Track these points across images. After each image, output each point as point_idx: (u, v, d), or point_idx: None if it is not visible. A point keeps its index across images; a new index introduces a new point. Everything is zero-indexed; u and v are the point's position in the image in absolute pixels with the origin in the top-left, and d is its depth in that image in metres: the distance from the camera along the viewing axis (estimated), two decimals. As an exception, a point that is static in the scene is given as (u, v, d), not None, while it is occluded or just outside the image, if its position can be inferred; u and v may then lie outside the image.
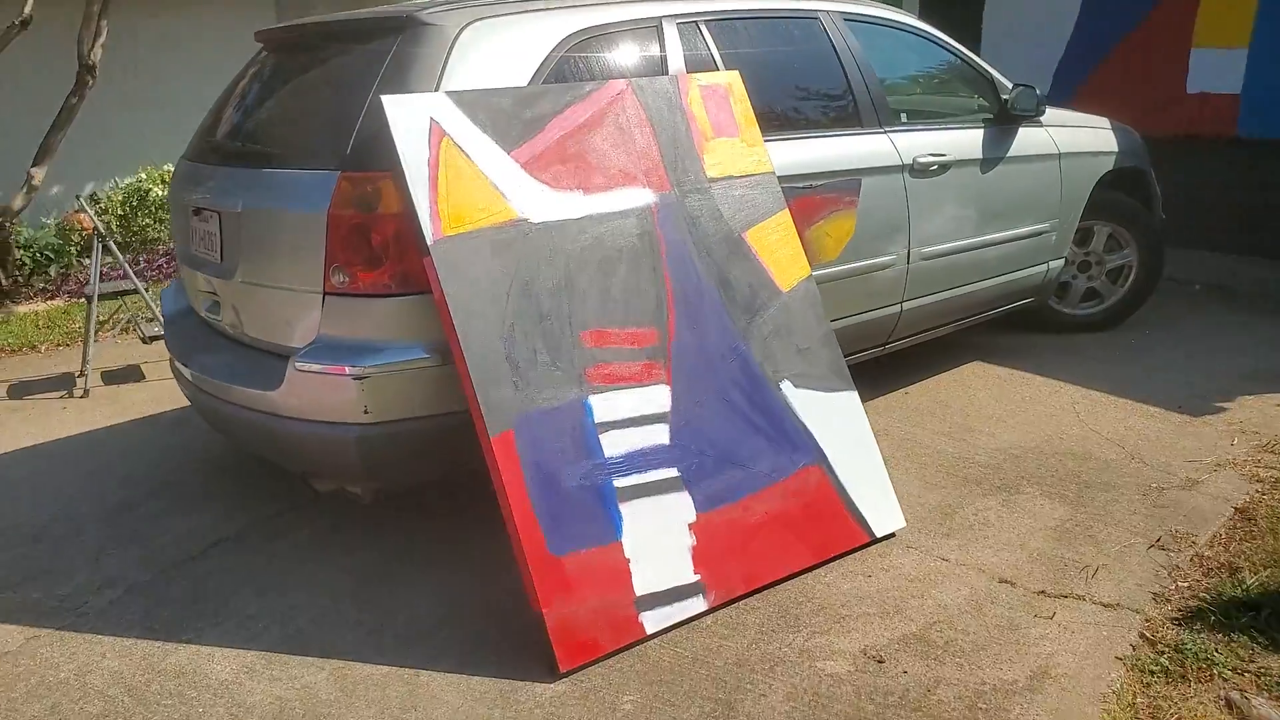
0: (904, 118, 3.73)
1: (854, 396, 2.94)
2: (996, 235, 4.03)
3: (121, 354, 5.21)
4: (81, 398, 4.56)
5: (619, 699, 2.23)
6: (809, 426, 2.82)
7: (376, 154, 2.48)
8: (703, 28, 3.16)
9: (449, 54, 2.64)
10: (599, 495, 2.45)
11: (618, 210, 2.70)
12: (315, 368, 2.54)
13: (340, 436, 2.56)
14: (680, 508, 2.55)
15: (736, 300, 2.82)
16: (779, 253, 2.95)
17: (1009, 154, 4.03)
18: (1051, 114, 4.29)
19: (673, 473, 2.57)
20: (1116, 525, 2.91)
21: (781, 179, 3.14)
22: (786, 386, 2.82)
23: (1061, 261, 4.49)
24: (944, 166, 3.72)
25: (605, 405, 2.53)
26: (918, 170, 3.62)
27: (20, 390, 4.74)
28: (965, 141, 3.86)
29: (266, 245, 2.69)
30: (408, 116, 2.46)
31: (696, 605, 2.50)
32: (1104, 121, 4.75)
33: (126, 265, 4.94)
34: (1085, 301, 4.88)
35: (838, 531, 2.78)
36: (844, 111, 3.50)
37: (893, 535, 2.88)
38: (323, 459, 2.66)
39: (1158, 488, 3.15)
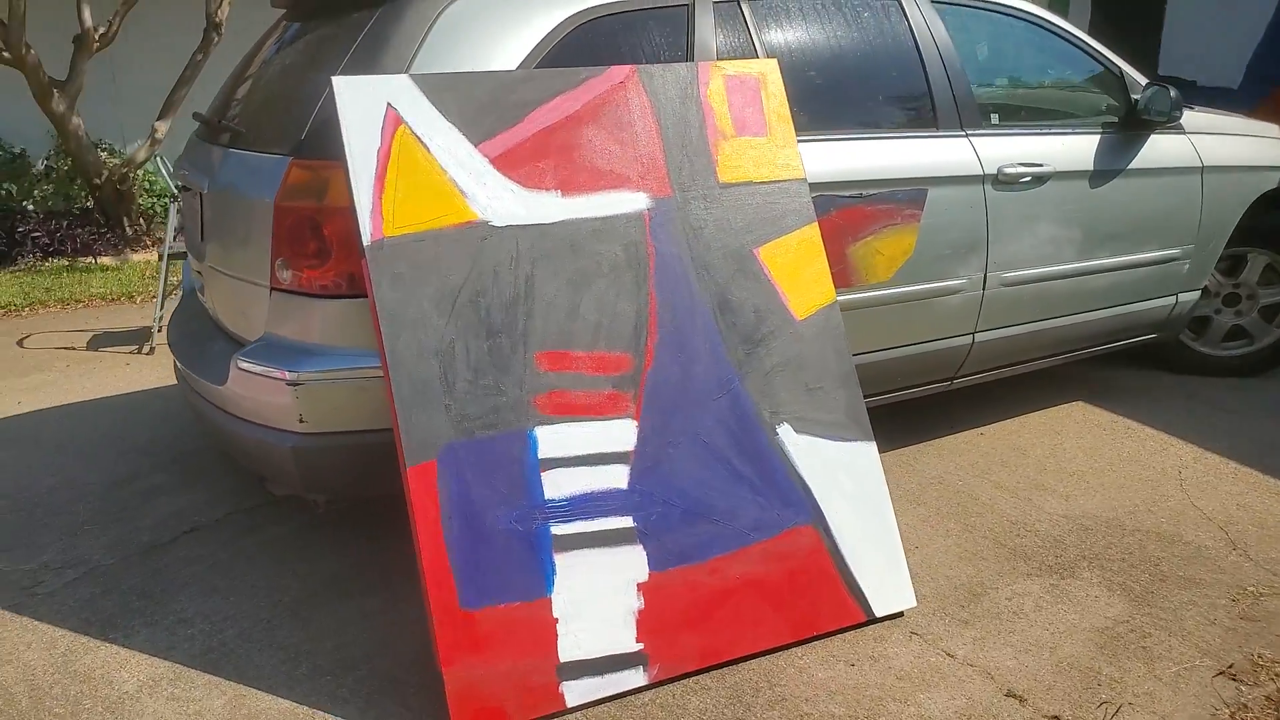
0: (995, 119, 3.20)
1: (871, 449, 2.51)
2: (1107, 261, 3.43)
3: (202, 312, 5.29)
4: (148, 354, 4.65)
5: (513, 783, 1.95)
6: (808, 480, 2.42)
7: (331, 140, 2.25)
8: (744, 7, 2.76)
9: (428, 32, 2.37)
10: (531, 543, 2.15)
11: (601, 216, 2.37)
12: (253, 368, 2.36)
13: (277, 444, 2.37)
14: (630, 564, 2.22)
15: (737, 326, 2.44)
16: (798, 273, 2.54)
17: (1132, 166, 3.40)
18: (1196, 119, 3.62)
19: (627, 522, 2.24)
20: (1184, 637, 2.37)
21: (824, 185, 2.73)
22: (785, 431, 2.43)
23: (1196, 294, 3.81)
24: (1040, 178, 3.17)
25: (554, 438, 2.23)
26: (1004, 182, 3.08)
27: (98, 342, 4.88)
28: (1073, 149, 3.28)
29: (227, 230, 2.53)
30: (361, 101, 2.21)
31: (633, 679, 2.18)
32: (1274, 129, 3.99)
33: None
34: (1229, 341, 4.15)
35: (827, 606, 2.38)
36: (916, 110, 3.01)
37: (900, 615, 2.46)
38: (265, 464, 2.49)
39: (1254, 592, 2.56)
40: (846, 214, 2.80)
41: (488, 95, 2.33)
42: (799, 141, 2.70)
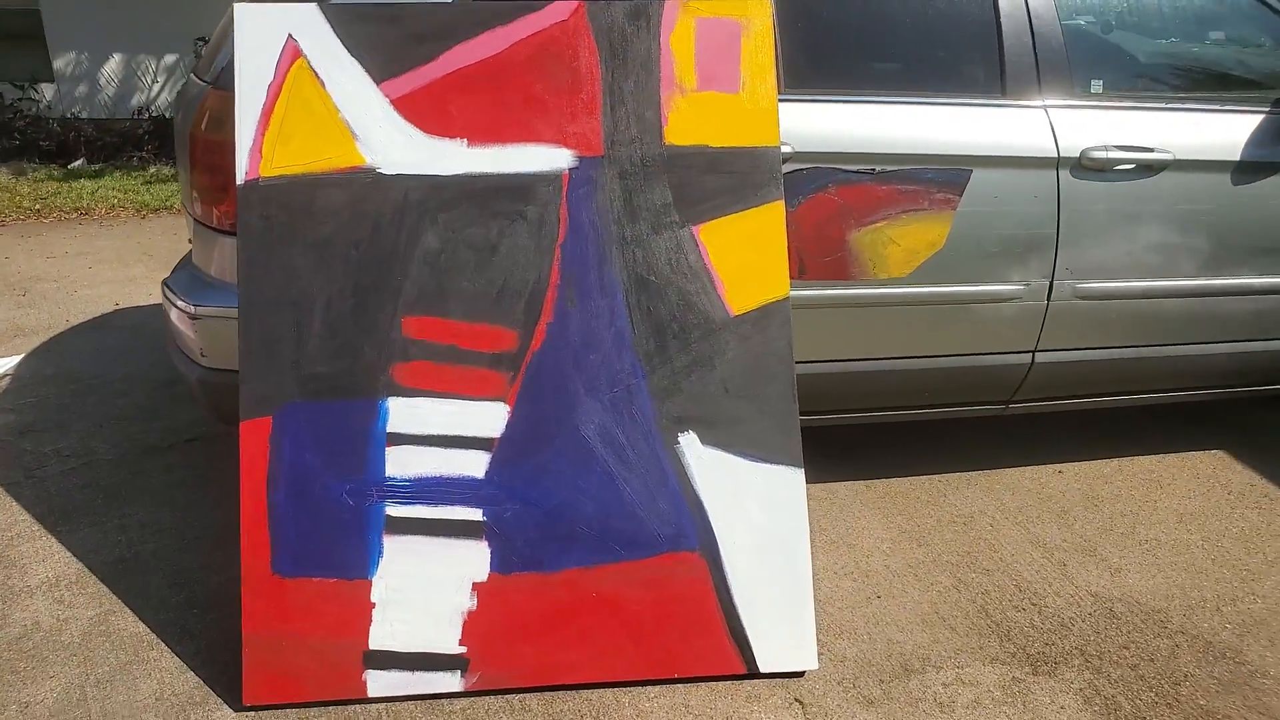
0: (1097, 85, 2.52)
1: (797, 477, 2.10)
2: (1256, 281, 2.66)
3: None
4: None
5: (275, 765, 1.86)
6: (705, 501, 2.08)
7: (245, 70, 2.16)
8: (752, -64, 2.33)
9: (362, -44, 2.20)
10: (360, 519, 2.01)
11: (510, 172, 2.12)
12: (168, 294, 2.37)
13: (189, 373, 2.39)
14: (470, 560, 2.03)
15: (653, 314, 2.12)
16: (745, 259, 2.15)
17: (1310, 159, 2.59)
18: None
19: (474, 515, 2.04)
20: (1147, 791, 1.81)
21: (822, 155, 2.31)
22: (689, 440, 2.09)
23: None
24: (1150, 167, 2.48)
25: (408, 412, 2.05)
26: (1089, 168, 2.44)
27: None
28: (1211, 132, 2.54)
29: (180, 157, 2.54)
30: (260, 30, 2.10)
31: (447, 683, 2.00)
32: None
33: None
34: None
35: (699, 649, 2.05)
36: (974, 67, 2.44)
37: (799, 676, 2.08)
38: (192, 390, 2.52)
39: (1294, 752, 1.91)
40: (850, 192, 2.34)
41: (403, 29, 2.13)
42: (792, 99, 2.29)
